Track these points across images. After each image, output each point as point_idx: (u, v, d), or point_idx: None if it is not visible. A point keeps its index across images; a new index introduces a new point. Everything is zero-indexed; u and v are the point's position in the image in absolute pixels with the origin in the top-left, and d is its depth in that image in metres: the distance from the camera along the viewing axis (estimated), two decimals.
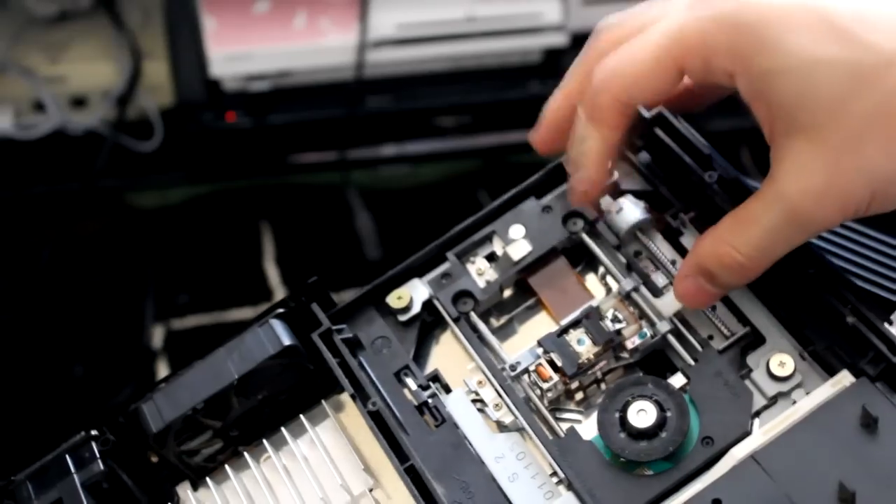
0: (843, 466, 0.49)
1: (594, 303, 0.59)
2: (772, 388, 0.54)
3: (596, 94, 0.53)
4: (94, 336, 1.45)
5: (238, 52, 1.34)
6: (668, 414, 0.53)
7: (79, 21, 1.38)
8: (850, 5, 0.47)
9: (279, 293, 1.46)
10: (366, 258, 1.47)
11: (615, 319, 0.57)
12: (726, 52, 0.49)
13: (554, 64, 1.39)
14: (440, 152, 1.45)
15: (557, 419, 0.56)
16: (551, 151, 0.58)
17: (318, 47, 1.35)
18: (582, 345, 0.57)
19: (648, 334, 0.57)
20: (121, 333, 1.46)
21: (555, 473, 0.55)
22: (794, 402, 0.54)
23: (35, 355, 1.43)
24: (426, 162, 1.48)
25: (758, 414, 0.54)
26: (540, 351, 0.57)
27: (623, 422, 0.53)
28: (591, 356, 0.56)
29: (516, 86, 1.40)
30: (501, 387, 0.57)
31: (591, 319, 0.57)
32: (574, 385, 0.57)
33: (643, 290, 0.58)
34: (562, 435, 0.55)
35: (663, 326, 0.57)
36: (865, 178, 0.47)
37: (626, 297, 0.58)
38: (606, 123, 0.53)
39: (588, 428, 0.56)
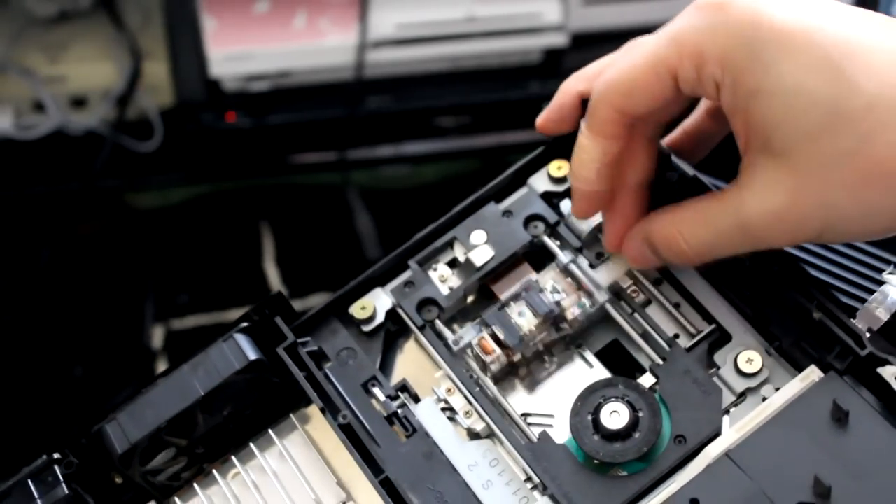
0: (818, 461, 0.49)
1: (533, 276, 0.59)
2: (740, 385, 0.55)
3: (596, 104, 0.53)
4: (94, 336, 1.46)
5: (238, 52, 1.34)
6: (641, 414, 0.53)
7: (79, 21, 1.38)
8: (847, 36, 0.47)
9: None
10: (366, 258, 1.47)
11: (555, 291, 0.58)
12: (718, 61, 0.49)
13: (554, 64, 1.39)
14: (440, 152, 1.45)
15: (529, 424, 0.56)
16: (550, 131, 0.59)
17: (318, 47, 1.35)
18: (523, 317, 0.57)
19: (587, 305, 0.58)
20: (121, 333, 1.46)
21: (529, 479, 0.55)
22: (764, 398, 0.54)
23: (35, 355, 1.44)
24: (426, 162, 1.48)
25: (727, 410, 0.54)
26: (482, 326, 0.57)
27: (596, 424, 0.53)
28: (533, 328, 0.57)
29: (516, 86, 1.40)
30: (471, 394, 0.57)
31: (530, 292, 0.58)
32: (517, 357, 0.57)
33: (581, 262, 0.59)
34: (534, 439, 0.55)
35: (601, 297, 0.58)
36: (822, 211, 0.48)
37: (564, 270, 0.59)
38: (605, 134, 0.53)
39: (560, 431, 0.56)
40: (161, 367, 1.42)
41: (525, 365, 0.58)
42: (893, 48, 0.47)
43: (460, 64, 1.39)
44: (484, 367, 0.57)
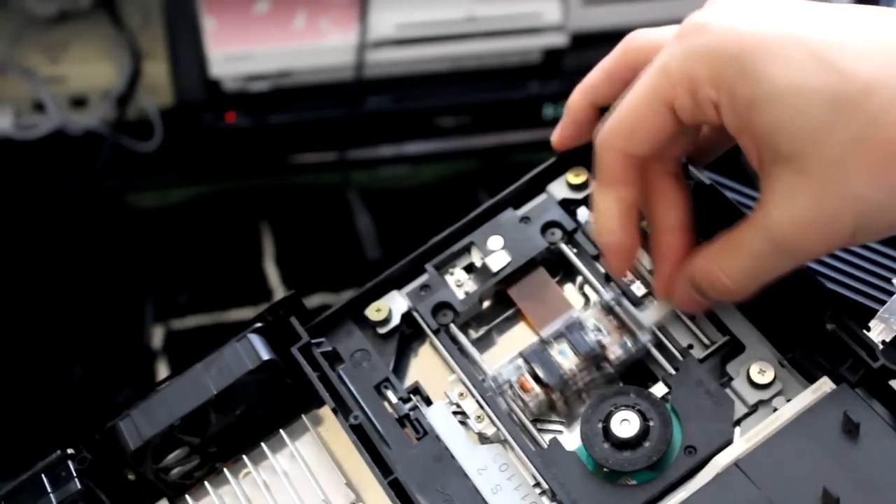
0: (827, 473, 0.49)
1: (575, 314, 0.59)
2: (752, 396, 0.55)
3: (600, 154, 0.53)
4: (94, 336, 1.45)
5: (238, 52, 1.33)
6: (651, 423, 0.53)
7: (79, 21, 1.38)
8: (830, 32, 0.47)
9: (279, 293, 1.47)
10: (366, 258, 1.47)
11: (597, 331, 0.57)
12: (710, 82, 0.48)
13: (554, 64, 1.39)
14: (440, 152, 1.45)
15: (540, 430, 0.56)
16: (566, 147, 0.59)
17: (318, 47, 1.35)
18: (564, 357, 0.57)
19: (630, 345, 0.57)
20: (121, 333, 1.46)
21: (538, 484, 0.54)
22: (775, 410, 0.54)
23: (35, 355, 1.43)
24: (426, 162, 1.48)
25: (739, 422, 0.54)
26: (522, 363, 0.57)
27: (606, 432, 0.53)
28: (574, 368, 0.56)
29: (516, 86, 1.40)
30: (483, 398, 0.57)
31: (572, 331, 0.57)
32: (556, 396, 0.57)
33: (624, 301, 0.58)
34: (545, 446, 0.55)
35: (644, 337, 0.57)
36: (849, 206, 0.47)
37: (608, 309, 0.58)
38: (618, 181, 0.53)
39: (571, 438, 0.56)
40: (161, 367, 1.42)
41: (563, 402, 0.57)
42: (877, 33, 0.47)
43: (460, 64, 1.39)
44: (523, 405, 0.57)
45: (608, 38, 0.56)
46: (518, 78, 1.40)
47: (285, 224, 1.54)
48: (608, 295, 0.58)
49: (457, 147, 1.45)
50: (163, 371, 1.40)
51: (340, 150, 1.42)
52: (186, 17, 1.34)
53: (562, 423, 0.57)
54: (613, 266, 0.57)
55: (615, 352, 0.57)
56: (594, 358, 0.57)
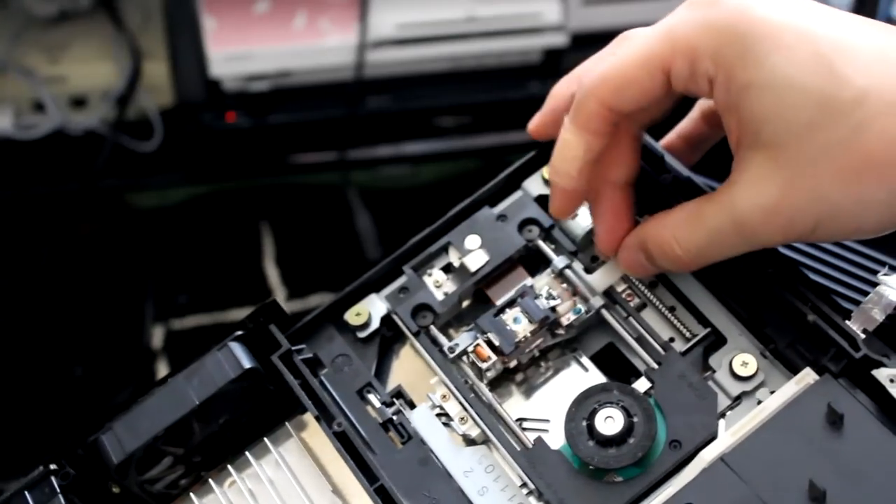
0: (812, 464, 0.49)
1: (528, 282, 0.59)
2: (735, 388, 0.55)
3: (583, 99, 0.53)
4: (94, 336, 1.46)
5: (238, 52, 1.34)
6: (635, 419, 0.53)
7: (79, 21, 1.38)
8: (836, 33, 0.48)
9: (279, 293, 1.47)
10: (366, 258, 1.47)
11: (549, 297, 0.58)
12: (712, 57, 0.49)
13: (554, 64, 1.39)
14: (440, 152, 1.45)
15: (524, 429, 0.56)
16: (545, 136, 0.59)
17: (318, 47, 1.35)
18: (518, 323, 0.57)
19: (583, 310, 0.58)
20: (121, 333, 1.46)
21: (525, 485, 0.54)
22: (759, 402, 0.54)
23: (35, 355, 1.44)
24: (426, 162, 1.48)
25: (723, 414, 0.54)
26: (478, 332, 0.57)
27: (591, 430, 0.53)
28: (528, 334, 0.57)
29: (516, 86, 1.40)
30: (466, 400, 0.57)
31: (525, 298, 0.58)
32: (513, 364, 0.57)
33: (576, 266, 0.59)
34: (529, 446, 0.55)
35: (596, 302, 0.58)
36: (814, 204, 0.48)
37: (559, 275, 0.59)
38: (591, 130, 0.53)
39: (555, 437, 0.55)
40: (161, 367, 1.42)
41: (521, 370, 0.58)
42: (880, 45, 0.48)
43: (460, 64, 1.39)
44: (480, 373, 0.57)
45: (608, 38, 0.56)
46: (518, 78, 1.40)
47: (285, 224, 1.54)
48: (560, 261, 0.59)
49: (457, 147, 1.45)
50: (163, 371, 1.40)
51: (340, 150, 1.42)
52: (186, 17, 1.34)
53: (545, 420, 0.57)
54: (558, 207, 0.57)
55: (568, 317, 0.58)
56: (548, 324, 0.57)
